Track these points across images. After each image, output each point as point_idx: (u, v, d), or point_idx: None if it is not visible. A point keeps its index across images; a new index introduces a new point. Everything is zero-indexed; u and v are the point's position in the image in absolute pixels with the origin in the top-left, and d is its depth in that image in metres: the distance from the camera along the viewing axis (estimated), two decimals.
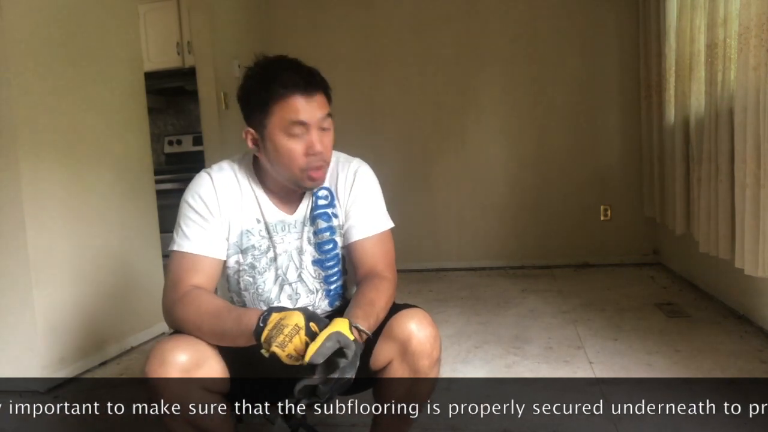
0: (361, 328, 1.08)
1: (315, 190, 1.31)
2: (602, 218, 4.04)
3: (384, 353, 1.20)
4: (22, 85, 2.21)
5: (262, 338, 1.04)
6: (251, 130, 1.24)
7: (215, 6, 3.73)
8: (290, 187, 1.27)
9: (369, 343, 1.15)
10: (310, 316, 1.04)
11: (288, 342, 1.00)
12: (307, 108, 1.19)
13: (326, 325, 1.02)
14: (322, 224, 1.31)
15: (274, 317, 1.04)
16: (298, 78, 1.19)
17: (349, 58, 4.26)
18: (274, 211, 1.30)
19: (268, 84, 1.19)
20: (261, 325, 1.05)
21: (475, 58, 4.09)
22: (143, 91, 2.98)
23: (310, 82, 1.20)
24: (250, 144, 1.26)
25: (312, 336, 1.00)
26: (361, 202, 1.31)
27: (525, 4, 4.01)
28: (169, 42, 3.95)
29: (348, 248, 1.32)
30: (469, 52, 4.10)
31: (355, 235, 1.30)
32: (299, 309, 1.07)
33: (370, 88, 4.26)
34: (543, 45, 4.00)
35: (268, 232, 1.30)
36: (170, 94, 4.41)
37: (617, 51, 3.92)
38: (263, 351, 1.03)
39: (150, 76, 3.39)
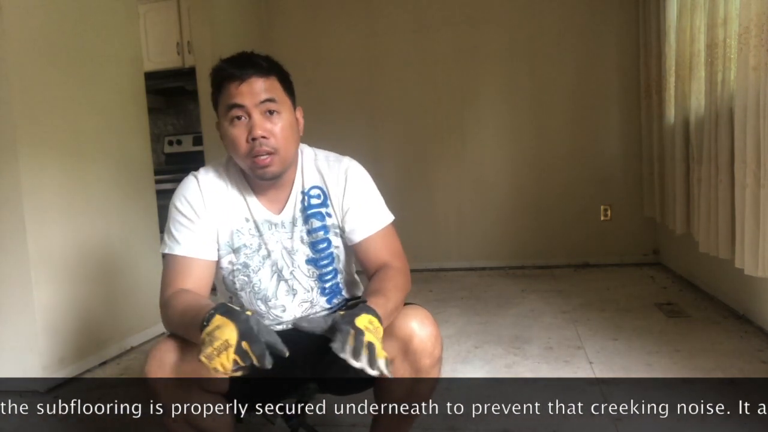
0: (378, 313, 1.05)
1: (306, 190, 1.31)
2: (602, 218, 4.04)
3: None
4: (22, 85, 2.21)
5: (200, 339, 0.98)
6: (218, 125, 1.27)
7: (215, 6, 3.74)
8: (258, 181, 1.27)
9: None
10: (245, 333, 0.95)
11: (215, 356, 0.94)
12: (241, 90, 1.19)
13: (261, 347, 0.94)
14: (316, 223, 1.31)
15: (214, 322, 0.97)
16: (232, 64, 1.21)
17: (349, 58, 4.26)
18: (260, 210, 1.30)
19: (212, 78, 1.23)
20: (205, 324, 0.99)
21: (474, 57, 4.09)
22: (143, 91, 2.98)
23: (243, 65, 1.20)
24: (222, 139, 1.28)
25: (242, 355, 0.94)
26: (358, 202, 1.31)
27: (525, 4, 4.01)
28: (169, 42, 3.95)
29: (355, 249, 1.33)
30: (469, 52, 4.10)
31: (359, 236, 1.30)
32: (243, 319, 0.97)
33: (370, 88, 4.26)
34: (542, 45, 4.00)
35: (258, 230, 1.30)
36: (170, 94, 4.40)
37: (617, 51, 3.92)
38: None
39: (150, 76, 3.39)
